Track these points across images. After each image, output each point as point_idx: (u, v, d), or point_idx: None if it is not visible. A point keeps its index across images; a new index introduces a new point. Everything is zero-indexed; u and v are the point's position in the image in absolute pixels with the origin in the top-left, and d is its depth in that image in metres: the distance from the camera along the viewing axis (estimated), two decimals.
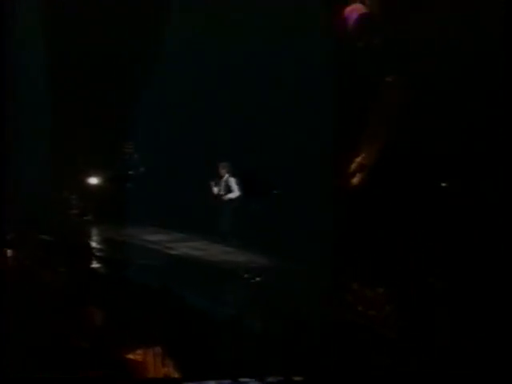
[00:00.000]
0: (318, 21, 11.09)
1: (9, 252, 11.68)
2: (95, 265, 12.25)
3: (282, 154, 13.56)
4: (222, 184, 14.60)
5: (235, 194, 14.52)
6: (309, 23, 11.74)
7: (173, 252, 13.55)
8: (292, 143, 13.42)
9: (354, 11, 10.19)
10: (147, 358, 8.53)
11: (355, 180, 10.61)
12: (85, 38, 14.57)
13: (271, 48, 13.69)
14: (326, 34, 10.88)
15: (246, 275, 11.82)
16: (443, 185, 10.17)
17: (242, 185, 14.46)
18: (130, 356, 8.63)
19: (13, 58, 13.99)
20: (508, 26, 9.38)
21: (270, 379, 8.09)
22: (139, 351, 8.60)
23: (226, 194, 14.55)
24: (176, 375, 8.45)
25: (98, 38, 14.59)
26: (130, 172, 15.91)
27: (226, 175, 14.60)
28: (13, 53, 13.91)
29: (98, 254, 13.12)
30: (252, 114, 14.06)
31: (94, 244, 13.94)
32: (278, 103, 13.66)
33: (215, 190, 14.60)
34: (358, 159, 10.44)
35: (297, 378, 8.10)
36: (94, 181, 16.08)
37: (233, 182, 14.57)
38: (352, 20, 10.18)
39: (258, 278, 11.65)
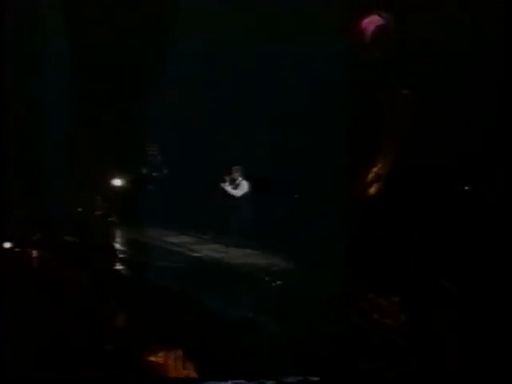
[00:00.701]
0: (335, 32, 11.16)
1: (34, 252, 11.90)
2: (118, 266, 12.40)
3: (301, 158, 13.70)
4: (235, 187, 14.76)
5: (241, 193, 14.68)
6: (326, 33, 11.79)
7: (195, 254, 13.72)
8: (310, 147, 13.55)
9: (371, 23, 10.29)
10: (167, 360, 8.68)
11: (371, 188, 10.70)
12: (108, 39, 14.64)
13: (287, 54, 13.83)
14: (344, 45, 10.96)
15: (266, 278, 11.96)
16: (458, 193, 10.23)
17: (262, 188, 14.56)
18: (150, 357, 8.80)
19: (41, 59, 14.18)
20: None
21: (287, 380, 8.24)
22: (159, 353, 8.78)
23: (237, 196, 14.74)
24: (194, 376, 8.62)
25: (121, 40, 14.68)
26: (153, 174, 16.08)
27: (239, 178, 14.77)
28: (40, 54, 14.09)
29: (120, 255, 13.29)
30: (269, 120, 14.25)
31: (116, 245, 14.11)
32: (294, 110, 13.81)
33: (228, 190, 14.76)
34: (374, 168, 10.54)
35: (313, 378, 8.25)
36: (117, 182, 16.18)
37: (245, 185, 14.75)
38: (369, 32, 10.28)
39: (278, 281, 11.77)
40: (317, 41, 12.38)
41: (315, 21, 12.40)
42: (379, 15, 10.20)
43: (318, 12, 12.12)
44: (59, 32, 14.72)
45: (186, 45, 14.79)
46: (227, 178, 14.81)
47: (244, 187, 14.73)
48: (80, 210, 15.31)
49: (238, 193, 14.76)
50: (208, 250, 14.02)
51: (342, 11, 10.67)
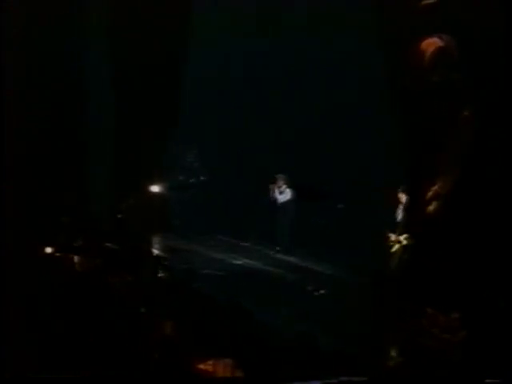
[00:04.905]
0: (395, 52, 11.37)
1: (75, 259, 12.11)
2: (159, 273, 12.42)
3: (353, 168, 13.98)
4: (279, 195, 14.93)
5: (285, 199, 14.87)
6: (387, 54, 11.99)
7: (236, 262, 13.81)
8: (360, 157, 13.89)
9: (430, 45, 10.52)
10: (214, 368, 8.90)
11: (431, 204, 10.84)
12: (146, 41, 14.35)
13: (348, 68, 14.04)
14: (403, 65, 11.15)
15: (309, 287, 12.14)
16: None
17: (306, 197, 14.73)
18: (197, 364, 9.04)
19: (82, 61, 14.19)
20: None
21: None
22: (206, 360, 9.00)
23: (282, 203, 14.81)
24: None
25: (160, 43, 14.56)
26: (192, 181, 16.21)
27: (284, 186, 14.82)
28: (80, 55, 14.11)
29: (161, 262, 13.17)
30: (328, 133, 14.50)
31: (157, 252, 14.08)
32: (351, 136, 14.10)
33: (274, 197, 14.95)
34: (435, 187, 10.68)
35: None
36: (157, 189, 16.22)
37: (289, 193, 14.79)
38: (428, 53, 10.52)
39: (321, 291, 11.97)
40: (379, 58, 12.43)
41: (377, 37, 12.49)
42: (439, 37, 10.43)
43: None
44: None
45: (232, 50, 14.94)
46: (272, 186, 14.83)
47: (288, 195, 14.81)
48: (120, 216, 15.41)
49: (282, 200, 14.84)
50: (250, 257, 14.09)
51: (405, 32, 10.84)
